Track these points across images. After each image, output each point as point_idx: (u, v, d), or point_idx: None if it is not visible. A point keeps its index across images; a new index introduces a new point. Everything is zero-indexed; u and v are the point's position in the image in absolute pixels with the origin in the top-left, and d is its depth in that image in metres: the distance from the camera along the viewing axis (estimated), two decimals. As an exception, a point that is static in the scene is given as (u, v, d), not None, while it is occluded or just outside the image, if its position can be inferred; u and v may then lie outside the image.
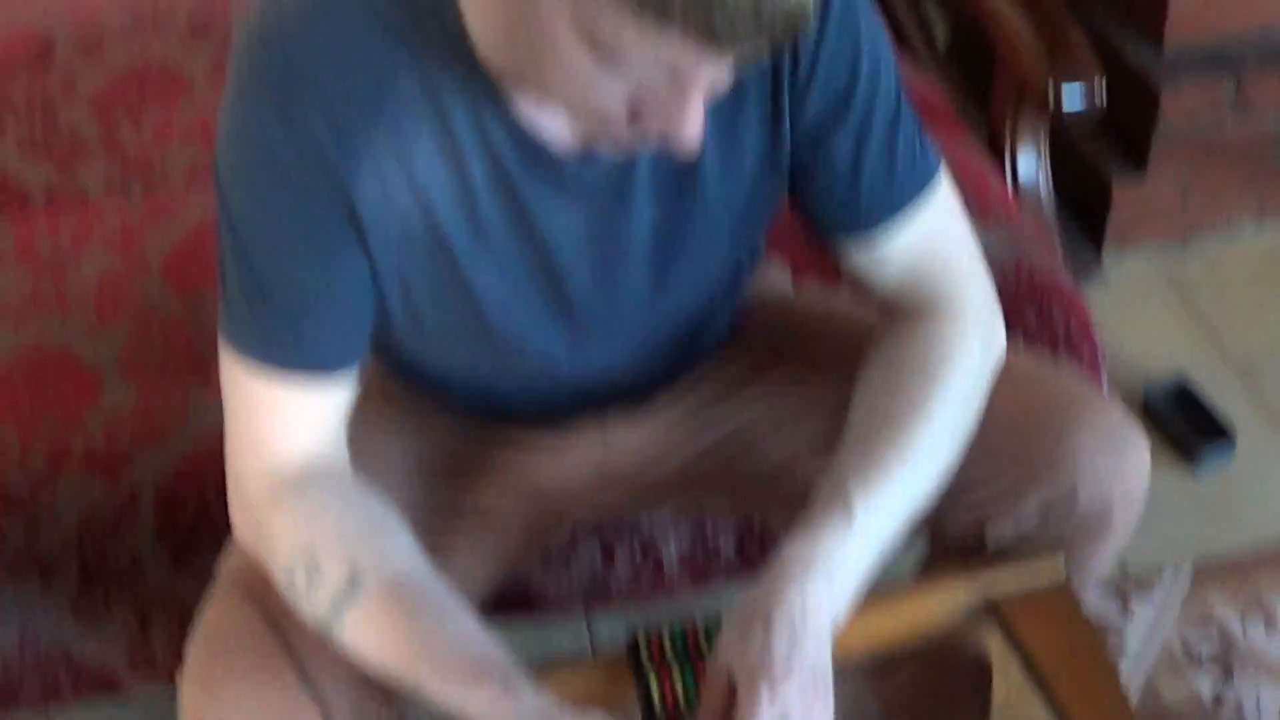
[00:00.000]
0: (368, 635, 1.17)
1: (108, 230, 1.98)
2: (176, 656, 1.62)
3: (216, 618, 1.26)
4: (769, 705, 1.11)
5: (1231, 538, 2.26)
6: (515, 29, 1.03)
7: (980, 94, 2.39)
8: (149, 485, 1.62)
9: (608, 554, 1.65)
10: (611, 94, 1.02)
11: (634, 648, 1.28)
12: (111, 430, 1.67)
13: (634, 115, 1.04)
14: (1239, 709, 2.03)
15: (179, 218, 1.99)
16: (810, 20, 0.96)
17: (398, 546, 1.22)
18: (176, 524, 1.60)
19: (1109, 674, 1.32)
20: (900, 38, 2.59)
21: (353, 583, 1.16)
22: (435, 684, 1.13)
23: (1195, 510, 2.30)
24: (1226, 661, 2.09)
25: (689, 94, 1.01)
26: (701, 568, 1.69)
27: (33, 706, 1.66)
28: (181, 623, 1.59)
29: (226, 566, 1.31)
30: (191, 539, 1.60)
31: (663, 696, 1.24)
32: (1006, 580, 1.36)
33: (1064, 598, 1.36)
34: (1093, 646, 1.34)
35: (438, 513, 1.40)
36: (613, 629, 2.09)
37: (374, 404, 1.34)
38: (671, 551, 1.66)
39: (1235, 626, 2.13)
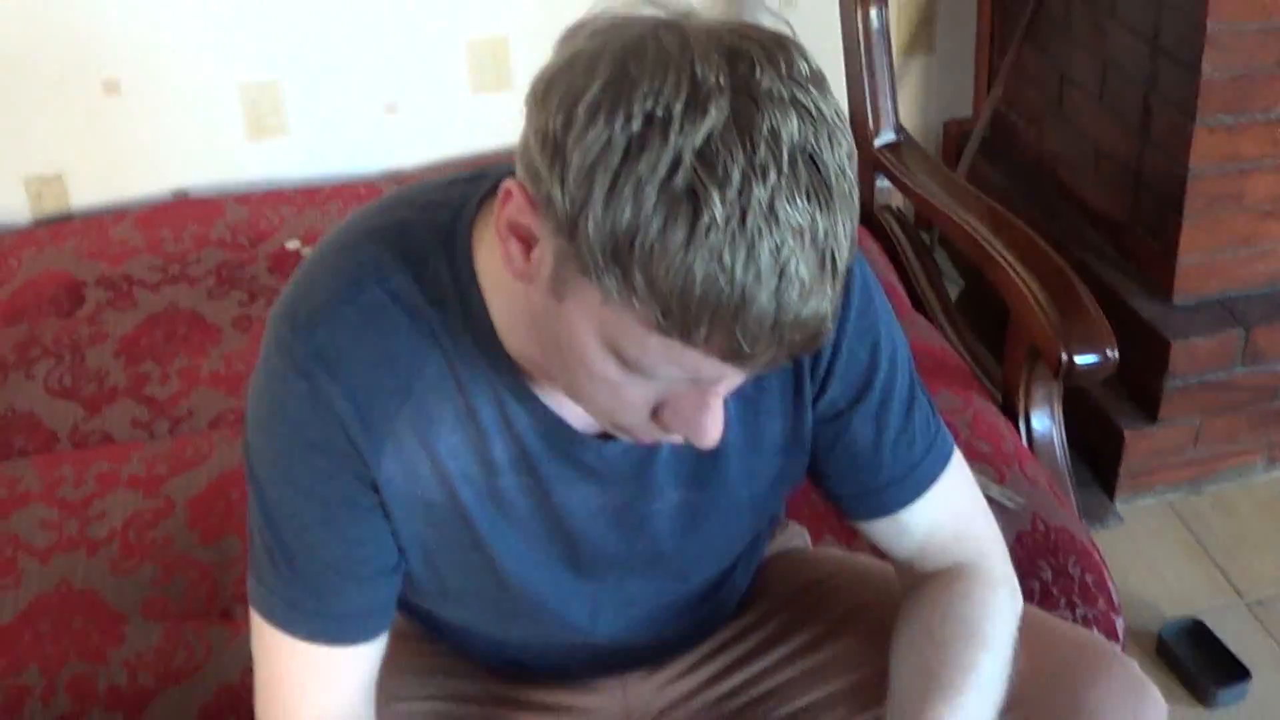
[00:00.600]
0: None
1: (133, 472, 2.02)
2: None
3: None
4: None
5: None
6: (543, 335, 1.06)
7: (993, 346, 2.46)
8: (172, 727, 1.63)
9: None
10: (636, 397, 1.05)
11: None
12: (135, 670, 1.69)
13: (655, 414, 1.07)
14: None
15: (205, 462, 2.03)
16: (828, 333, 0.99)
17: None
18: (200, 767, 1.61)
19: None
20: (912, 295, 2.66)
21: None
22: None
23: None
24: None
25: (710, 399, 1.05)
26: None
27: None
28: None
29: None
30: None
31: None
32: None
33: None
34: None
35: None
36: None
37: (401, 659, 1.36)
38: None
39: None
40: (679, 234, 0.91)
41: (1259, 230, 2.71)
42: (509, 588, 1.27)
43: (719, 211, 0.90)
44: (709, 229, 0.90)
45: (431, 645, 1.47)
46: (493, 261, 1.12)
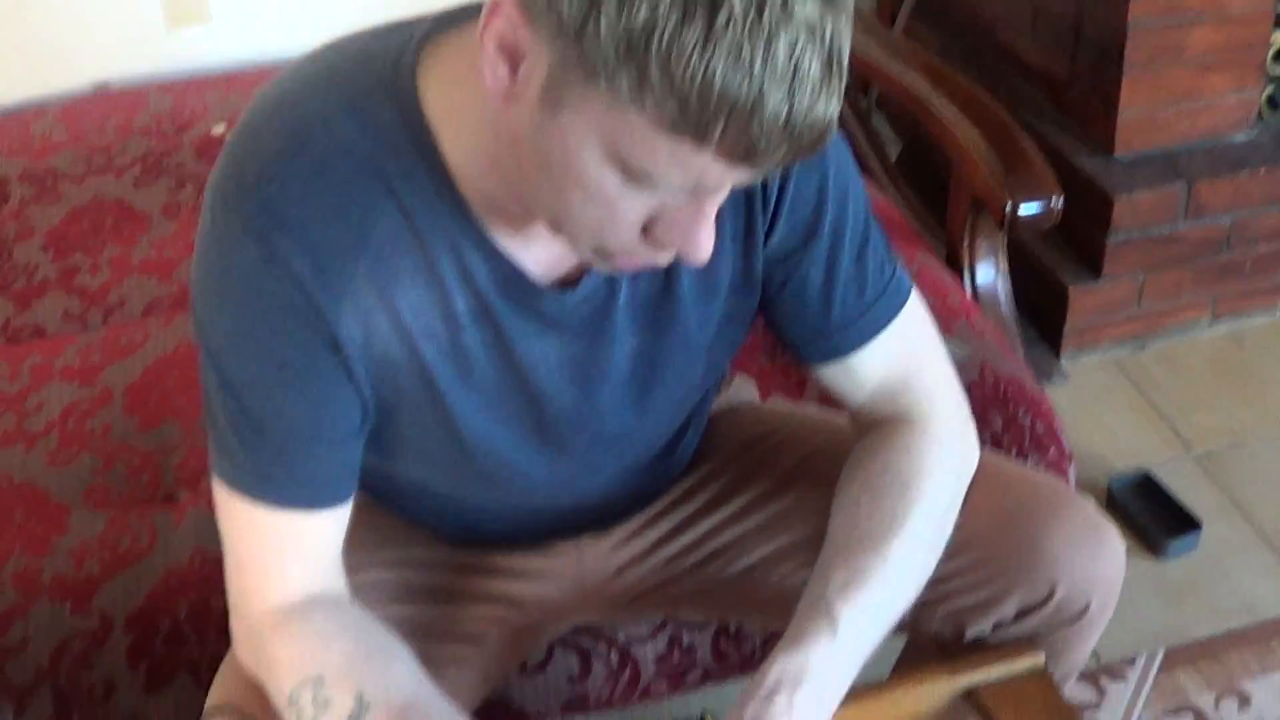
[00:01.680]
0: None
1: (67, 364, 1.98)
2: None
3: None
4: None
5: (1201, 623, 2.29)
6: (526, 160, 1.03)
7: (933, 206, 2.44)
8: (120, 612, 1.60)
9: (584, 662, 1.64)
10: (631, 212, 1.03)
11: None
12: (81, 559, 1.66)
13: (646, 231, 1.05)
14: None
15: (139, 349, 1.99)
16: (834, 131, 0.97)
17: (403, 672, 1.21)
18: (149, 650, 1.58)
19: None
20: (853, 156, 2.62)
21: (360, 709, 1.15)
22: None
23: (1164, 598, 2.31)
24: (1204, 745, 2.10)
25: (705, 208, 1.03)
26: (678, 672, 1.68)
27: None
28: (157, 747, 1.59)
29: (218, 691, 1.30)
30: (165, 664, 1.58)
31: None
32: (986, 671, 1.36)
33: (1044, 684, 1.36)
34: (1073, 729, 1.34)
35: (423, 637, 1.39)
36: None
37: (358, 531, 1.33)
38: (648, 657, 1.66)
39: (1209, 709, 2.14)
40: (696, 28, 0.89)
41: (1200, 84, 2.70)
42: (469, 447, 1.26)
43: (737, 6, 0.89)
44: (727, 23, 0.89)
45: (385, 516, 1.45)
46: (444, 101, 1.10)
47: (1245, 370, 2.81)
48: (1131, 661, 2.21)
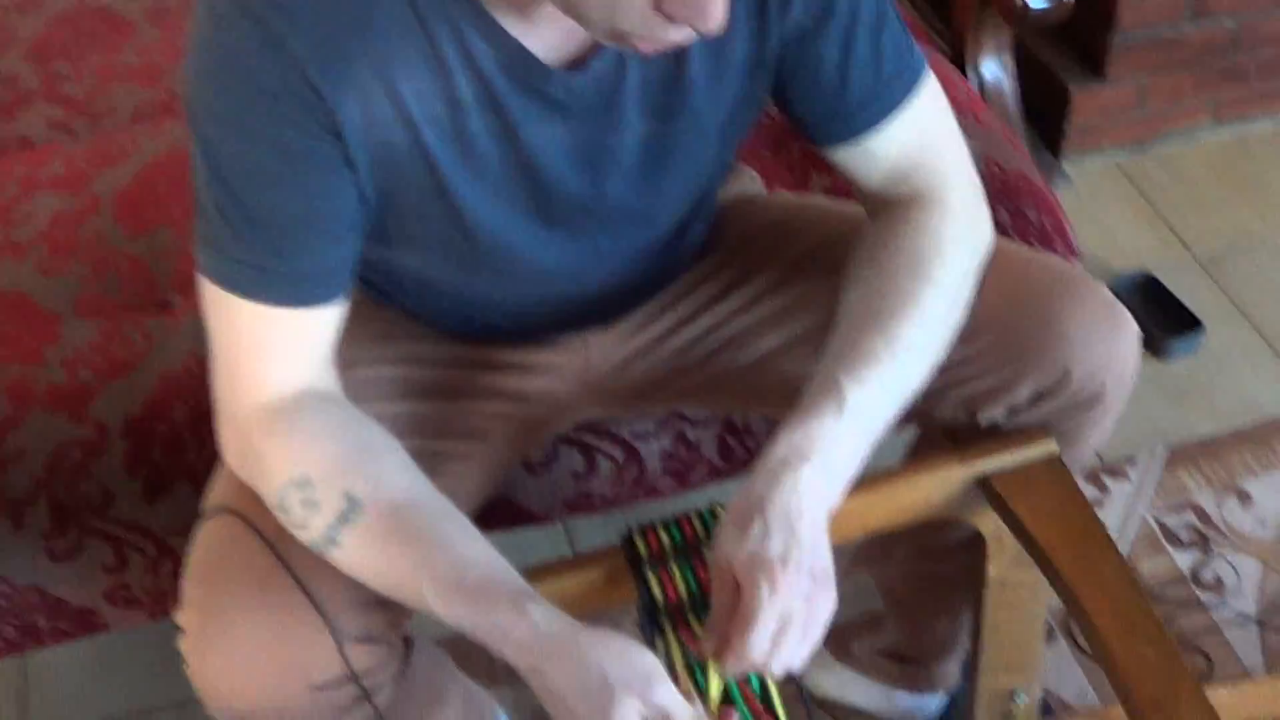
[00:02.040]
0: (367, 559, 1.15)
1: (55, 174, 1.93)
2: (155, 590, 1.61)
3: (210, 547, 1.22)
4: (770, 601, 1.09)
5: (1202, 422, 2.29)
6: None
7: (939, 4, 2.38)
8: (116, 420, 1.58)
9: (589, 460, 1.63)
10: None
11: (630, 544, 1.26)
12: (74, 368, 1.63)
13: (658, 4, 1.00)
14: (1219, 582, 2.05)
15: (128, 157, 1.94)
16: None
17: (395, 469, 1.19)
18: (146, 457, 1.57)
19: (1106, 543, 1.30)
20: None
21: (350, 509, 1.13)
22: (441, 607, 1.11)
23: (1166, 398, 2.31)
24: (1204, 539, 2.11)
25: None
26: (684, 468, 1.67)
27: (10, 650, 1.62)
28: (159, 555, 1.57)
29: (214, 494, 1.27)
30: (163, 470, 1.56)
31: (665, 592, 1.22)
32: (999, 458, 1.35)
33: (1057, 471, 1.35)
34: (1088, 517, 1.32)
35: (425, 433, 1.37)
36: (593, 537, 2.08)
37: (358, 327, 1.30)
38: (653, 453, 1.64)
39: (1210, 506, 2.15)
40: None
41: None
42: (474, 236, 1.23)
43: None
44: None
45: (388, 310, 1.42)
46: None
47: (1248, 175, 2.77)
48: (1134, 460, 2.21)
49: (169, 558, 1.57)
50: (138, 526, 1.57)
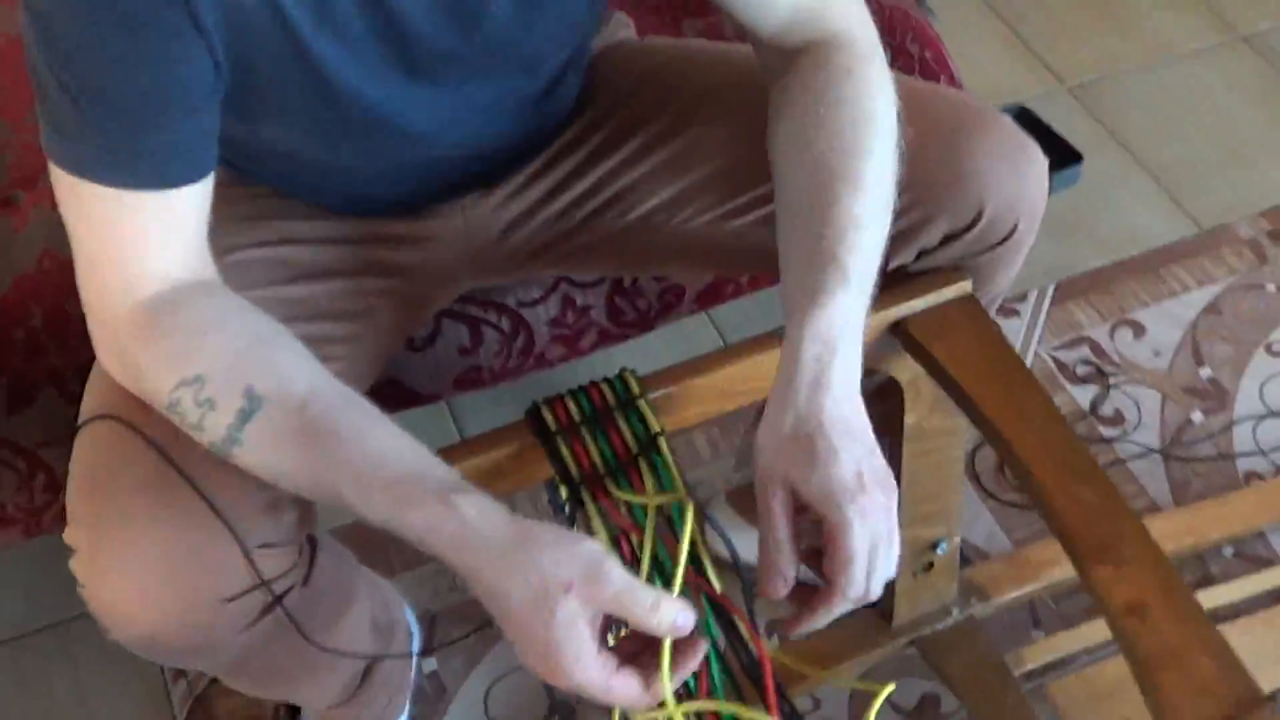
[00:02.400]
0: (275, 458, 1.05)
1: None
2: (29, 507, 1.52)
3: (94, 458, 1.12)
4: (863, 531, 1.03)
5: (1088, 255, 2.27)
6: None
7: None
8: (-33, 327, 1.48)
9: (474, 332, 1.56)
10: None
11: (536, 417, 1.19)
12: (-85, 276, 1.52)
13: None
14: (1119, 416, 2.04)
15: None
16: None
17: (293, 360, 1.09)
18: (6, 365, 1.47)
19: (1030, 381, 1.25)
20: None
21: (251, 405, 1.04)
22: (361, 505, 1.02)
23: (1050, 233, 2.22)
24: (1101, 373, 2.09)
25: None
26: (573, 334, 1.61)
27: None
28: (30, 469, 1.48)
29: (91, 399, 1.16)
30: (25, 379, 1.47)
31: (579, 462, 1.16)
32: (912, 302, 1.29)
33: (973, 311, 1.30)
34: (1009, 356, 1.27)
35: (307, 317, 1.28)
36: (481, 419, 2.03)
37: (226, 209, 1.19)
38: (541, 320, 1.58)
39: (1104, 339, 2.13)
40: None
41: None
42: (337, 102, 1.14)
43: None
44: None
45: (257, 190, 1.32)
46: None
47: (1112, 1, 2.73)
48: (1023, 298, 2.18)
49: (41, 471, 1.49)
50: (3, 440, 1.49)
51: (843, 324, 1.09)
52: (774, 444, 1.06)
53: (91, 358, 1.17)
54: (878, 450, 1.07)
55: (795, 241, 1.15)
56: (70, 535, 1.10)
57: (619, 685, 0.99)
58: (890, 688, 1.06)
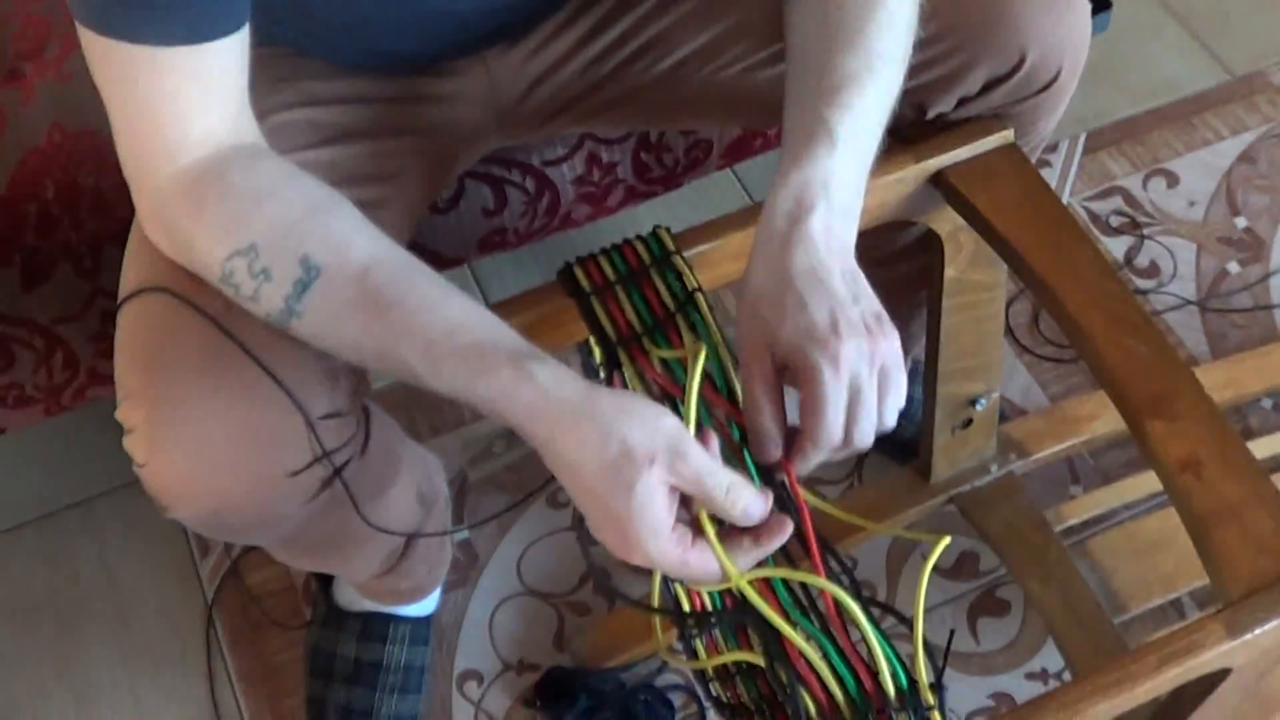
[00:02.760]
0: (336, 329, 1.01)
1: None
2: (49, 386, 1.49)
3: (146, 331, 1.08)
4: (835, 379, 0.98)
5: (1120, 105, 2.22)
6: None
7: None
8: (-20, 205, 1.44)
9: (499, 192, 1.52)
10: None
11: (569, 277, 1.16)
12: (-79, 155, 1.48)
13: None
14: (1154, 266, 2.01)
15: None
16: None
17: (350, 226, 1.04)
18: (20, 242, 1.44)
19: (1076, 230, 1.21)
20: None
21: (309, 274, 1.00)
22: (431, 375, 0.98)
23: (1080, 82, 2.20)
24: (1135, 223, 2.05)
25: None
26: (599, 192, 1.57)
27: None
28: (48, 347, 1.46)
29: (134, 272, 1.12)
30: (40, 255, 1.44)
31: (613, 320, 1.12)
32: (954, 151, 1.25)
33: (1015, 160, 1.26)
34: (1054, 205, 1.23)
35: (338, 180, 1.20)
36: (504, 284, 2.00)
37: (252, 72, 1.14)
38: (565, 178, 1.54)
39: (1137, 189, 2.09)
40: None
41: None
42: None
43: None
44: None
45: (276, 50, 1.26)
46: None
47: None
48: (1054, 148, 2.14)
49: (59, 348, 1.46)
50: (20, 319, 1.46)
51: (822, 183, 1.04)
52: (748, 306, 1.03)
53: (102, 231, 1.13)
54: (863, 298, 1.02)
55: (792, 102, 1.11)
56: (125, 413, 1.06)
57: (695, 560, 0.96)
58: (946, 540, 1.02)
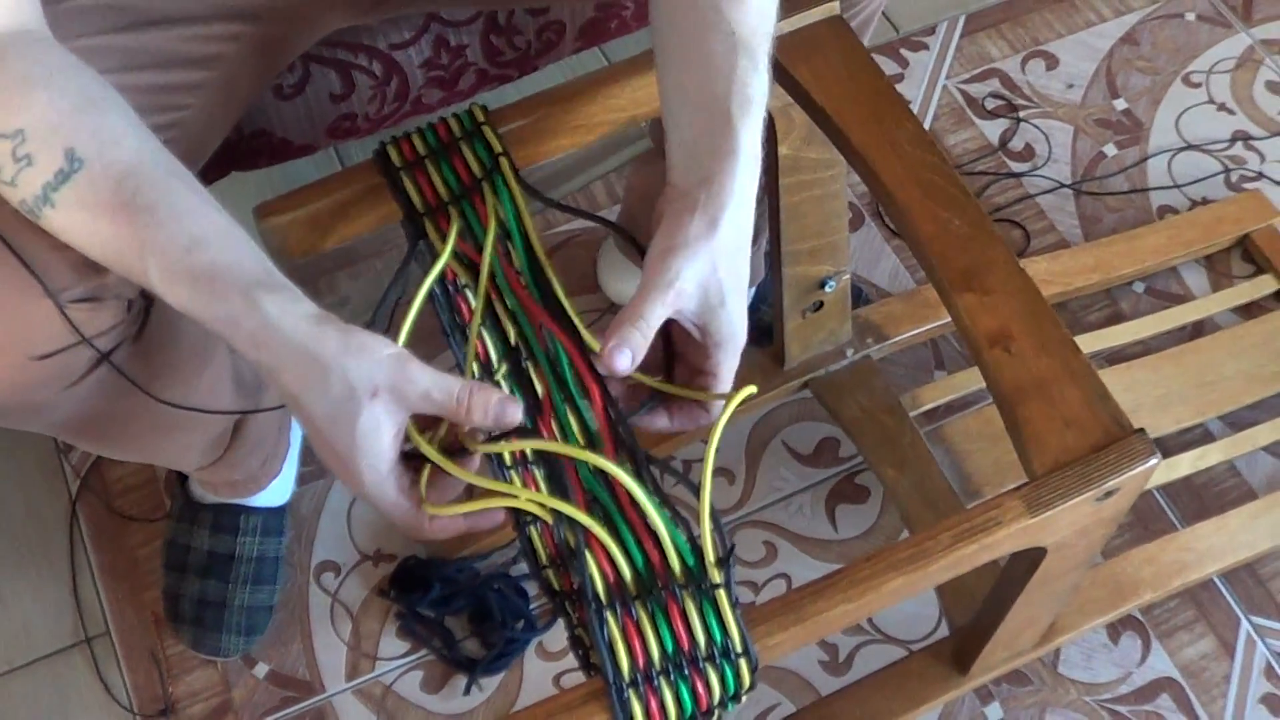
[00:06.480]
0: (86, 225, 0.98)
1: None
2: None
3: None
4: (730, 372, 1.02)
5: (1000, -14, 2.19)
6: None
7: None
8: None
9: (345, 78, 1.48)
10: None
11: (383, 155, 1.14)
12: None
13: None
14: (1030, 150, 1.99)
15: None
16: None
17: (123, 126, 1.01)
18: None
19: (898, 104, 1.19)
20: None
21: (71, 166, 0.97)
22: (165, 289, 0.95)
23: (963, -36, 2.19)
24: (1011, 106, 2.03)
25: None
26: (449, 76, 1.53)
27: None
28: None
29: None
30: None
31: (421, 192, 1.11)
32: (777, 24, 1.22)
33: (840, 32, 1.23)
34: (877, 78, 1.20)
35: (147, 65, 1.19)
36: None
37: None
38: (414, 62, 1.50)
39: (1015, 71, 2.07)
40: None
41: None
42: None
43: None
44: None
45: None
46: None
47: None
48: (932, 30, 2.11)
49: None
50: None
51: (733, 191, 1.00)
52: (693, 284, 0.98)
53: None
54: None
55: (668, 88, 1.06)
56: None
57: (399, 504, 0.97)
58: (751, 389, 1.00)
